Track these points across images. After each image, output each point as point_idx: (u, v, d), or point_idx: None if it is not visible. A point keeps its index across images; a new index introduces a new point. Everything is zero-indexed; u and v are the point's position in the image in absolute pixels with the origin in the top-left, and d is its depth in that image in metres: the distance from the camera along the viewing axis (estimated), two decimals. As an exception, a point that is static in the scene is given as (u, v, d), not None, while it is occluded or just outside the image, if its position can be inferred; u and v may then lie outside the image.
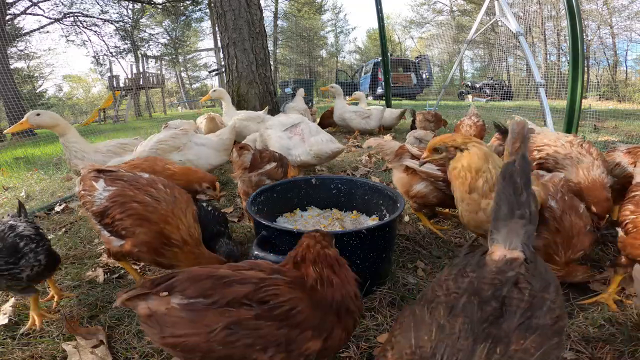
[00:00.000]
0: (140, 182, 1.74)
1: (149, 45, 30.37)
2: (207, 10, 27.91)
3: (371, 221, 2.19)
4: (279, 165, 2.60)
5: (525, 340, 0.78)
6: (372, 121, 5.92)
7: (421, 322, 0.86)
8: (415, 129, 4.73)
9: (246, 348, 0.97)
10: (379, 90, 17.87)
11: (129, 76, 20.60)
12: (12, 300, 1.80)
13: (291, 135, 3.46)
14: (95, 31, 25.20)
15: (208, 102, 28.13)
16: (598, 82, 18.76)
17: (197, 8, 28.97)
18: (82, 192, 1.77)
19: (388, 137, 3.37)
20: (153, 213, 1.63)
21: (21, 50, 25.30)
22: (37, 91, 27.60)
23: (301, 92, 6.44)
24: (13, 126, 3.14)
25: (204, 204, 2.12)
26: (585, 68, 11.60)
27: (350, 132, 6.24)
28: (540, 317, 0.84)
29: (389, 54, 8.19)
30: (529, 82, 8.78)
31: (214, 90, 5.01)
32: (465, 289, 0.91)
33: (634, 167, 2.00)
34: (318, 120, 6.71)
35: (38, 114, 3.09)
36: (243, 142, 3.43)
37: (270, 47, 26.44)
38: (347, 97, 7.16)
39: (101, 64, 28.98)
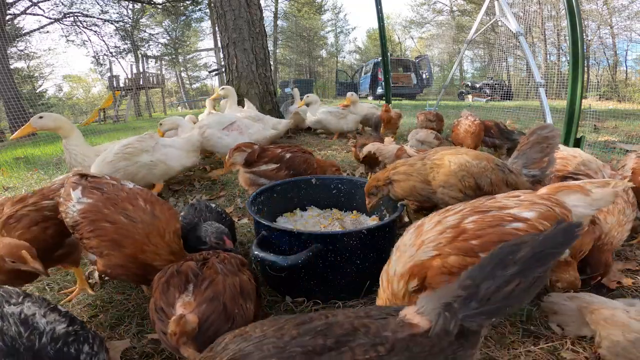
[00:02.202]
0: (120, 196, 1.57)
1: (149, 45, 30.37)
2: (207, 10, 27.90)
3: (371, 221, 2.19)
4: (283, 167, 2.56)
5: None
6: (350, 122, 5.66)
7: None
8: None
9: None
10: (379, 90, 17.85)
11: (129, 76, 20.57)
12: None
13: (229, 132, 3.90)
14: (95, 31, 25.20)
15: (208, 102, 28.16)
16: (598, 82, 18.76)
17: (197, 8, 28.94)
18: (60, 199, 1.64)
19: (388, 139, 3.36)
20: (126, 237, 1.47)
21: (21, 50, 25.28)
22: (37, 91, 27.58)
23: (296, 92, 6.44)
24: (18, 131, 3.07)
25: (213, 205, 2.10)
26: (585, 68, 11.60)
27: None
28: None
29: (389, 54, 8.19)
30: (529, 82, 8.78)
31: (223, 89, 5.04)
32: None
33: None
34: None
35: (41, 117, 3.02)
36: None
37: (270, 47, 26.44)
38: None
39: (101, 64, 28.98)
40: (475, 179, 1.73)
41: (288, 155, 2.62)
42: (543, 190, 1.41)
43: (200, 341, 1.07)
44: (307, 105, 5.68)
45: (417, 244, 1.27)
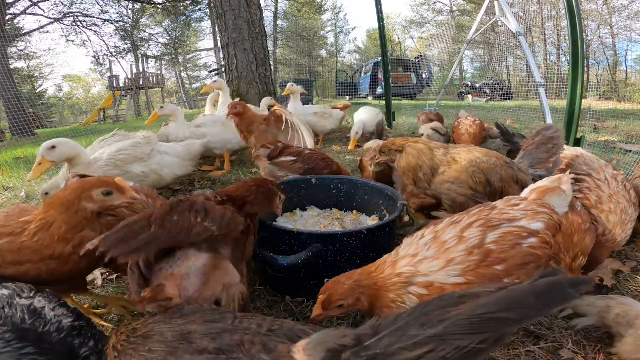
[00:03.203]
0: None
1: (149, 45, 30.38)
2: (207, 10, 27.91)
3: (371, 221, 2.19)
4: (299, 161, 2.70)
5: None
6: (335, 119, 5.47)
7: None
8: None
9: None
10: (379, 90, 17.86)
11: (129, 76, 20.60)
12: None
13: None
14: (95, 31, 25.22)
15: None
16: (598, 82, 18.76)
17: (197, 8, 28.97)
18: None
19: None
20: None
21: (21, 50, 25.32)
22: (37, 91, 27.61)
23: (299, 89, 6.33)
24: (32, 172, 2.37)
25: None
26: (585, 68, 11.60)
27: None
28: None
29: (389, 54, 8.19)
30: (529, 82, 8.78)
31: (215, 81, 4.95)
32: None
33: None
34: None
35: (53, 147, 2.36)
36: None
37: (270, 47, 26.45)
38: (347, 97, 6.99)
39: (101, 64, 29.01)
40: (486, 175, 1.78)
41: (306, 152, 2.78)
42: (533, 196, 1.38)
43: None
44: (292, 94, 5.30)
45: (441, 259, 1.13)
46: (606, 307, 1.38)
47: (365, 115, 5.03)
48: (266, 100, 5.02)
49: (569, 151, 2.06)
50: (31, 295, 1.11)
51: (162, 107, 3.82)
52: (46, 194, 2.51)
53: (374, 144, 2.97)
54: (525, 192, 1.44)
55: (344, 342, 0.66)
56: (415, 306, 0.69)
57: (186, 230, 1.09)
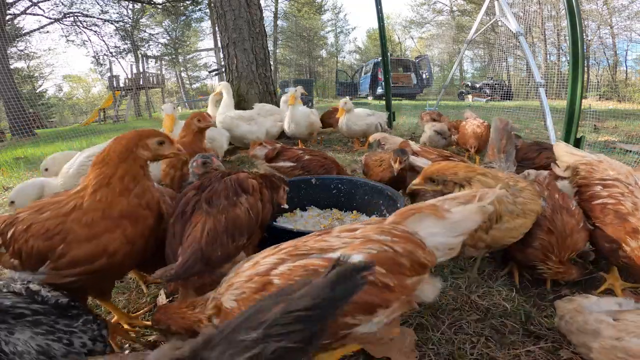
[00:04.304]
0: None
1: (149, 45, 30.36)
2: (207, 10, 27.90)
3: (371, 221, 2.19)
4: (299, 166, 2.68)
5: None
6: (270, 126, 4.91)
7: None
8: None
9: None
10: (379, 90, 17.85)
11: (129, 76, 20.57)
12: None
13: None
14: (95, 31, 25.21)
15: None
16: (598, 82, 18.77)
17: (197, 8, 28.96)
18: None
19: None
20: None
21: (21, 50, 25.32)
22: (37, 91, 27.60)
23: (299, 90, 6.29)
24: None
25: None
26: (585, 68, 11.60)
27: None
28: None
29: (389, 54, 8.19)
30: (529, 82, 8.78)
31: (219, 85, 5.08)
32: None
33: None
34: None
35: (12, 202, 2.43)
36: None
37: (270, 47, 26.43)
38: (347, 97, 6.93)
39: (101, 64, 28.99)
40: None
41: (306, 157, 2.71)
42: (391, 218, 1.17)
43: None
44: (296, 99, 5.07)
45: (230, 282, 1.08)
46: (561, 313, 1.36)
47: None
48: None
49: (590, 157, 1.88)
50: (25, 283, 1.12)
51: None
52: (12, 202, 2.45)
53: (380, 135, 2.96)
54: (390, 217, 1.21)
55: (180, 355, 0.67)
56: (243, 311, 0.70)
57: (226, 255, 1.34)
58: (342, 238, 1.07)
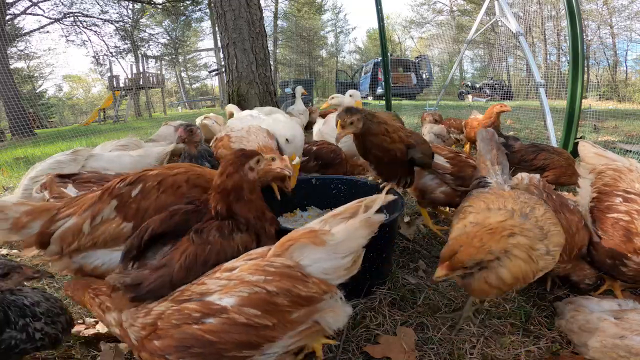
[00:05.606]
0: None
1: (149, 45, 30.38)
2: (207, 10, 27.87)
3: (371, 221, 2.19)
4: (311, 158, 2.75)
5: None
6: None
7: None
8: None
9: None
10: (379, 90, 17.86)
11: (129, 76, 20.57)
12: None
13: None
14: (95, 31, 25.19)
15: (207, 102, 28.17)
16: (598, 82, 18.76)
17: (197, 8, 28.91)
18: (52, 198, 1.71)
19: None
20: None
21: (21, 50, 25.32)
22: (37, 91, 27.58)
23: (299, 90, 6.21)
24: None
25: None
26: (585, 68, 11.60)
27: None
28: None
29: (389, 54, 8.20)
30: (529, 82, 8.77)
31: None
32: None
33: None
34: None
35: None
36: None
37: (270, 47, 26.40)
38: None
39: (101, 64, 28.98)
40: None
41: (315, 148, 2.81)
42: (272, 250, 1.11)
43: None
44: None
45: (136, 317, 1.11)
46: (561, 312, 1.37)
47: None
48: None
49: (622, 162, 1.73)
50: None
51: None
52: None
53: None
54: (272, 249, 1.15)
55: None
56: None
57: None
58: (221, 280, 1.05)
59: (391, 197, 1.24)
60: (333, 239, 1.05)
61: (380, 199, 1.15)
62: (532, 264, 1.23)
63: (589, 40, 21.74)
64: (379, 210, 1.15)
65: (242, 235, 1.32)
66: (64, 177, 1.79)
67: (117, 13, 26.21)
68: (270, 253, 1.09)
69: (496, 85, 15.90)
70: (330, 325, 1.09)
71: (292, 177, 1.93)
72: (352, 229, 1.07)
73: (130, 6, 26.39)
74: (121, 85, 19.72)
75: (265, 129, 2.35)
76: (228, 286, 1.01)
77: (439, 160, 2.21)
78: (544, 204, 1.48)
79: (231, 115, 4.86)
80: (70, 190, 1.68)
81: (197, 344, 0.97)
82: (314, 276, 1.05)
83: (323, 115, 4.61)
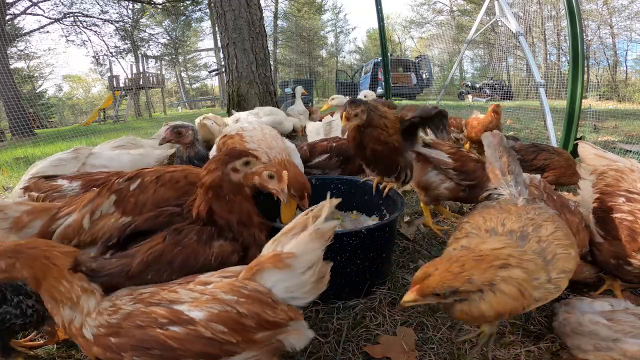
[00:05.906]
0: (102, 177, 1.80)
1: (149, 45, 30.38)
2: (207, 10, 27.88)
3: (371, 221, 2.19)
4: (333, 155, 2.74)
5: None
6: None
7: None
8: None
9: None
10: (379, 90, 17.85)
11: (129, 76, 20.57)
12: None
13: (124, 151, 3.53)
14: (95, 31, 25.18)
15: (207, 102, 28.18)
16: (598, 82, 18.76)
17: (197, 8, 28.92)
18: (42, 194, 1.74)
19: None
20: None
21: (21, 50, 25.32)
22: (37, 91, 27.58)
23: (299, 90, 6.20)
24: None
25: None
26: (585, 68, 11.59)
27: None
28: None
29: (389, 54, 8.20)
30: (529, 82, 8.77)
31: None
32: None
33: None
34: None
35: None
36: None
37: (270, 47, 26.39)
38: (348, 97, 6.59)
39: (101, 64, 28.97)
40: None
41: (334, 144, 2.80)
42: (243, 273, 1.11)
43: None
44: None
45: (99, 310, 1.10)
46: (556, 314, 1.36)
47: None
48: None
49: (623, 162, 1.71)
50: None
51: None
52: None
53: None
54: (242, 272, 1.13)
55: None
56: None
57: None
58: (194, 292, 1.07)
59: (335, 201, 1.23)
60: (294, 259, 1.06)
61: (326, 206, 1.15)
62: (523, 300, 1.07)
63: (589, 40, 21.75)
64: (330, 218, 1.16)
65: (223, 243, 1.28)
66: (49, 178, 1.82)
67: (117, 13, 26.24)
68: (242, 274, 1.11)
69: (496, 85, 15.90)
70: (292, 345, 1.12)
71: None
72: (303, 243, 1.08)
73: (130, 6, 26.40)
74: (121, 85, 19.71)
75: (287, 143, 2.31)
76: (200, 300, 1.04)
77: (441, 155, 2.22)
78: (557, 221, 1.29)
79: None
80: (64, 182, 1.73)
81: (158, 347, 1.00)
82: (280, 301, 1.08)
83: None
